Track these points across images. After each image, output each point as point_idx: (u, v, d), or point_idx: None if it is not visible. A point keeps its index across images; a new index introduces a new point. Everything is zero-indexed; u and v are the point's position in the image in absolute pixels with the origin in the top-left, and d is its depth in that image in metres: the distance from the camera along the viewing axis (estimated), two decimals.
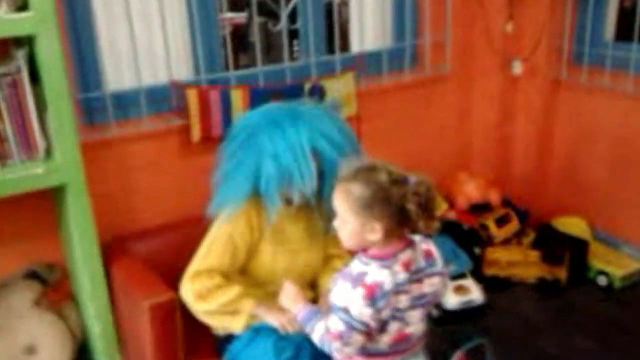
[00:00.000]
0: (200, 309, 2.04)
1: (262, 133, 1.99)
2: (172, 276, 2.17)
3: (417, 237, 1.68)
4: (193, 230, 2.22)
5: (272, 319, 2.01)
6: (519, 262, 3.19)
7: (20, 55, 1.99)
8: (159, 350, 2.07)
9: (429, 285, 1.67)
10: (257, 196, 2.05)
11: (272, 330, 1.99)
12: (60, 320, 2.37)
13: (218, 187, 2.08)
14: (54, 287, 2.42)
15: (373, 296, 1.55)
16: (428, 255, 1.69)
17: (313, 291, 2.23)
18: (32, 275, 2.36)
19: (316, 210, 2.14)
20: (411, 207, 1.54)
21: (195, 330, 2.21)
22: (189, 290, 2.03)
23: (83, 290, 2.27)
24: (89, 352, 2.48)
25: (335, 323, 1.61)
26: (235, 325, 2.03)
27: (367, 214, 1.57)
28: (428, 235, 1.69)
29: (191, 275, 2.04)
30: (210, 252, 2.05)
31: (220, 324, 2.07)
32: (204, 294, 2.02)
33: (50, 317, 2.35)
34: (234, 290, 2.03)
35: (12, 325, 2.30)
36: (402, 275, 1.60)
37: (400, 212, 1.56)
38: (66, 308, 2.43)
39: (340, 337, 1.60)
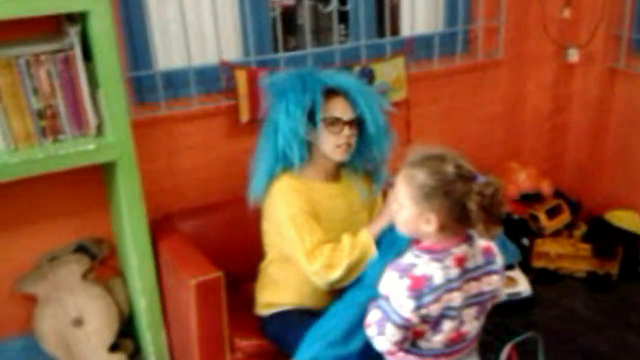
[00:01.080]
0: (338, 275, 1.98)
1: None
2: (218, 255, 2.19)
3: (476, 233, 1.60)
4: (239, 210, 2.23)
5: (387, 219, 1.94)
6: (569, 255, 3.11)
7: (73, 32, 2.01)
8: (204, 328, 2.09)
9: (487, 284, 1.61)
10: (298, 169, 2.07)
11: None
12: (107, 294, 2.42)
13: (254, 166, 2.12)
14: (102, 262, 2.47)
15: (419, 289, 1.51)
16: (487, 252, 1.63)
17: None
18: (82, 249, 2.40)
19: (359, 182, 2.18)
20: (472, 206, 1.47)
21: (240, 309, 2.23)
22: (314, 273, 2.00)
23: (130, 266, 2.30)
24: (134, 327, 2.52)
25: (374, 311, 1.59)
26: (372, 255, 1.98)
27: (426, 204, 1.51)
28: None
29: (306, 260, 2.00)
30: (303, 234, 2.01)
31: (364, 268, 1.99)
32: (329, 263, 1.98)
33: (98, 291, 2.40)
34: (345, 240, 2.00)
35: (62, 297, 2.35)
36: (454, 271, 1.54)
37: (459, 209, 1.49)
38: (113, 283, 2.48)
39: (375, 324, 1.58)
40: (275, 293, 2.18)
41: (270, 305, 2.19)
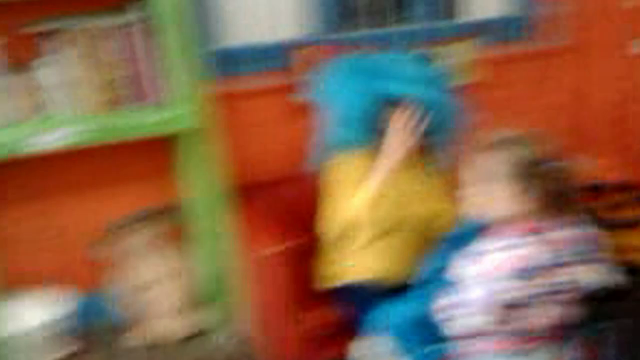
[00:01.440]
0: (332, 239, 2.03)
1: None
2: (284, 228, 2.18)
3: (559, 223, 1.56)
4: (306, 185, 2.22)
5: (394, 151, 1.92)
6: (636, 248, 2.99)
7: (141, 6, 2.06)
8: (271, 299, 2.09)
9: (567, 275, 1.54)
10: (361, 146, 2.03)
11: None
12: (177, 260, 2.43)
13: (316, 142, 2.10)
14: (170, 229, 2.49)
15: (495, 273, 1.48)
16: (571, 242, 1.56)
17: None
18: (150, 216, 2.44)
19: (424, 162, 2.12)
20: (537, 190, 1.49)
21: (305, 282, 2.21)
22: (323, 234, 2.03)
23: (199, 234, 2.34)
24: (201, 294, 2.52)
25: (447, 296, 1.57)
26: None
27: (503, 187, 1.52)
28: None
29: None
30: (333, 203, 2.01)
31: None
32: (329, 228, 2.01)
33: (168, 257, 2.43)
34: (342, 206, 1.98)
35: (132, 262, 2.39)
36: (535, 259, 1.50)
37: (536, 193, 1.50)
38: (183, 250, 2.49)
39: (448, 309, 1.56)
40: (341, 266, 2.13)
41: (337, 277, 2.15)
